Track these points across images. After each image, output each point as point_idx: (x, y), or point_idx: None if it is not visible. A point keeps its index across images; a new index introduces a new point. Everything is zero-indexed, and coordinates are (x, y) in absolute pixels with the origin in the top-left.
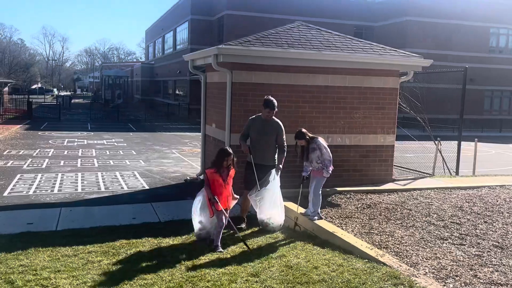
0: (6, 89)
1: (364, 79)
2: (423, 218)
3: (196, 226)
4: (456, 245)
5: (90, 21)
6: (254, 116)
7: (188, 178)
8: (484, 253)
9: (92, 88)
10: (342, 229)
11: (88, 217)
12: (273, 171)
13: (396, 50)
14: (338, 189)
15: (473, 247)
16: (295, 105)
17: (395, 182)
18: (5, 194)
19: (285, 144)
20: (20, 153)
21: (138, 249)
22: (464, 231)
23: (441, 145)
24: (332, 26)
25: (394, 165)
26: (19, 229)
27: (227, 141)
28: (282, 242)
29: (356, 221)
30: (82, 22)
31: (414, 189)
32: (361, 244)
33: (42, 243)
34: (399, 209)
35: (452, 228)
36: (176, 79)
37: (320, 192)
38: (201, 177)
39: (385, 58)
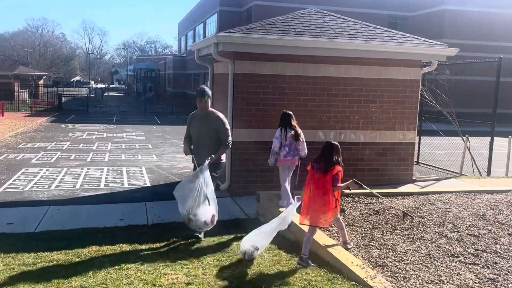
0: (41, 81)
1: (381, 70)
2: (435, 229)
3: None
4: (467, 265)
5: (128, 15)
6: (194, 112)
7: None
8: (500, 276)
9: (128, 81)
10: (339, 240)
11: (73, 218)
12: (205, 162)
13: (417, 38)
14: (346, 191)
15: (488, 267)
16: (304, 98)
17: (415, 183)
18: (0, 190)
19: (230, 140)
20: (35, 146)
21: (100, 258)
22: (481, 246)
23: (469, 141)
24: (364, 17)
25: (420, 163)
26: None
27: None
28: (267, 256)
29: (356, 231)
30: (121, 15)
31: (433, 192)
32: (351, 262)
33: (9, 248)
34: (409, 217)
35: (467, 242)
36: (205, 72)
37: (286, 183)
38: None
39: (404, 46)
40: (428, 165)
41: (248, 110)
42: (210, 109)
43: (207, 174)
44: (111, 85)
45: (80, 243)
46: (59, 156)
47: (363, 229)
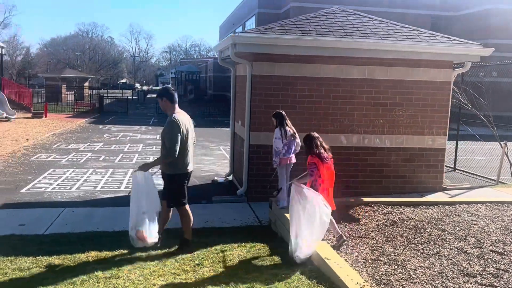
0: (86, 83)
1: (409, 71)
2: (455, 243)
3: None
4: (484, 287)
5: (174, 18)
6: None
7: (216, 178)
8: None
9: (172, 84)
10: (346, 253)
11: (85, 220)
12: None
13: (448, 37)
14: (365, 199)
15: None
16: (325, 101)
17: (445, 191)
18: (24, 190)
19: (171, 149)
20: (69, 146)
21: (95, 264)
22: (504, 264)
23: (507, 148)
24: (405, 17)
25: (458, 170)
26: (8, 231)
27: (247, 139)
28: (277, 271)
29: (367, 243)
30: (166, 19)
31: (461, 202)
32: (352, 279)
33: (11, 250)
34: (429, 229)
35: (488, 260)
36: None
37: (284, 181)
38: (230, 177)
39: (433, 46)
40: (466, 172)
41: (266, 113)
42: (174, 111)
43: (137, 185)
44: (155, 88)
45: (82, 247)
46: (89, 157)
47: (374, 242)
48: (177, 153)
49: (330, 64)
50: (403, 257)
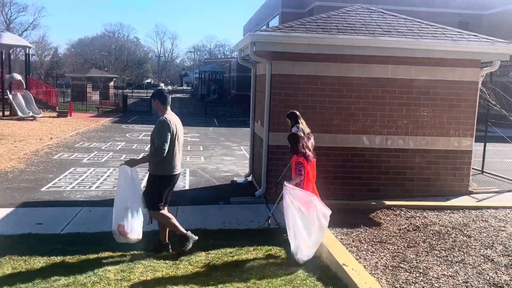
0: (111, 83)
1: (434, 71)
2: (482, 251)
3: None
4: None
5: (198, 19)
6: None
7: (235, 179)
8: None
9: (195, 84)
10: (365, 259)
11: (101, 220)
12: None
13: (476, 35)
14: (387, 202)
15: None
16: (346, 101)
17: (471, 195)
18: (43, 189)
19: (159, 146)
20: (91, 145)
21: (107, 266)
22: None
23: None
24: (431, 16)
25: (486, 173)
26: (25, 230)
27: (266, 139)
28: (284, 273)
29: (388, 249)
30: (191, 19)
31: (489, 207)
32: (370, 287)
33: (27, 249)
34: (454, 235)
35: None
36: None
37: None
38: (249, 178)
39: (459, 44)
40: (494, 175)
41: (286, 113)
42: (165, 112)
43: (123, 180)
44: (178, 87)
45: (96, 247)
46: (110, 156)
47: (395, 248)
48: (165, 152)
49: (352, 63)
50: (425, 265)
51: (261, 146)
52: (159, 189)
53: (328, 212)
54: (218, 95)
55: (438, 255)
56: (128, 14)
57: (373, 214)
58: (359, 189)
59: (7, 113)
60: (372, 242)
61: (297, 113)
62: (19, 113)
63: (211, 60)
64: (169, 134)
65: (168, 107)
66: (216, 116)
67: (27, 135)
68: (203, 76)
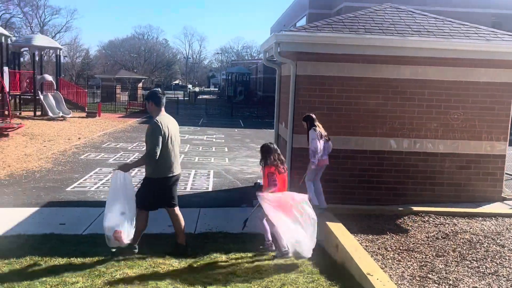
0: (140, 84)
1: (465, 72)
2: None
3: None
4: None
5: (226, 21)
6: None
7: (259, 181)
8: None
9: (222, 85)
10: (391, 268)
11: None
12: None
13: (510, 35)
14: (414, 208)
15: None
16: (373, 103)
17: (504, 201)
18: (69, 188)
19: (150, 149)
20: (117, 146)
21: (120, 271)
22: None
23: None
24: (462, 16)
25: None
26: (48, 230)
27: (289, 142)
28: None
29: (415, 258)
30: (219, 21)
31: None
32: None
33: (50, 250)
34: (486, 244)
35: None
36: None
37: (312, 184)
38: None
39: (493, 44)
40: None
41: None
42: (159, 114)
43: (116, 185)
44: (206, 89)
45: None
46: (136, 157)
47: (423, 256)
48: (157, 156)
49: (379, 64)
50: (455, 276)
51: (285, 148)
52: (151, 190)
53: (305, 196)
54: (244, 96)
55: (469, 266)
56: (157, 16)
57: (400, 220)
58: (386, 194)
59: (38, 113)
60: (399, 250)
61: (313, 116)
62: (50, 113)
63: (238, 62)
64: (160, 137)
65: (162, 109)
66: (242, 117)
67: (56, 135)
68: (230, 78)
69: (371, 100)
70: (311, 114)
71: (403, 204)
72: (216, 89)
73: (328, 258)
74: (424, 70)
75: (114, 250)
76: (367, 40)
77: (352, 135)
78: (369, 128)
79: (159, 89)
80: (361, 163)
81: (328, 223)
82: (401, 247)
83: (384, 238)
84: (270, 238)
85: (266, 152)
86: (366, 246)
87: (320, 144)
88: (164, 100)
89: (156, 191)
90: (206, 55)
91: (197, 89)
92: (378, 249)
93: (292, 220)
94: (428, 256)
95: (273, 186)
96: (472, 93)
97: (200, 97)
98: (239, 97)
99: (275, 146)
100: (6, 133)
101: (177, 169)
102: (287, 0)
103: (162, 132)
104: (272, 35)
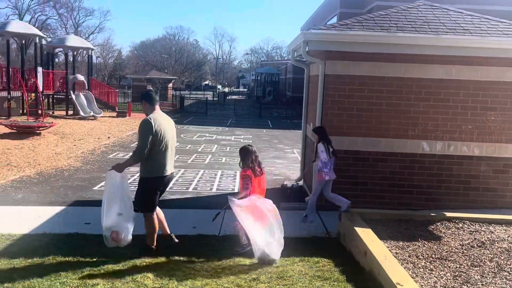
0: (170, 85)
1: (504, 71)
2: None
3: None
4: None
5: (256, 21)
6: None
7: (285, 183)
8: None
9: (251, 86)
10: (422, 277)
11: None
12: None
13: None
14: (448, 214)
15: None
16: (405, 103)
17: None
18: (96, 188)
19: (139, 147)
20: None
21: (139, 272)
22: None
23: None
24: (502, 15)
25: None
26: (73, 229)
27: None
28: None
29: (449, 267)
30: (249, 22)
31: None
32: None
33: (73, 250)
34: None
35: None
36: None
37: (315, 200)
38: (300, 183)
39: None
40: None
41: (339, 116)
42: (152, 112)
43: (112, 185)
44: (235, 89)
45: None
46: None
47: (457, 266)
48: (145, 152)
49: (412, 63)
50: (492, 287)
51: (312, 149)
52: (147, 189)
53: (272, 204)
54: (273, 96)
55: (508, 278)
56: (188, 17)
57: (432, 227)
58: (417, 198)
59: (70, 112)
60: (431, 259)
61: (325, 130)
62: (81, 113)
63: (267, 62)
64: (150, 135)
65: (156, 107)
66: (270, 118)
67: (86, 134)
68: (259, 78)
69: (402, 101)
70: (323, 127)
71: (436, 209)
72: (245, 89)
73: (355, 265)
74: (459, 69)
75: (143, 249)
76: (399, 38)
77: (383, 136)
78: (401, 129)
79: (152, 89)
80: (391, 166)
81: (356, 228)
82: (433, 255)
83: (415, 245)
84: (246, 240)
85: (244, 154)
86: (396, 253)
87: (327, 155)
88: (157, 98)
89: (154, 189)
90: (236, 55)
91: (226, 89)
92: (409, 256)
93: (263, 225)
94: (462, 266)
95: (246, 190)
96: (510, 94)
97: (229, 97)
98: (268, 97)
99: (254, 149)
100: (38, 131)
101: (169, 169)
102: (318, 0)
103: (153, 130)
104: (300, 34)
